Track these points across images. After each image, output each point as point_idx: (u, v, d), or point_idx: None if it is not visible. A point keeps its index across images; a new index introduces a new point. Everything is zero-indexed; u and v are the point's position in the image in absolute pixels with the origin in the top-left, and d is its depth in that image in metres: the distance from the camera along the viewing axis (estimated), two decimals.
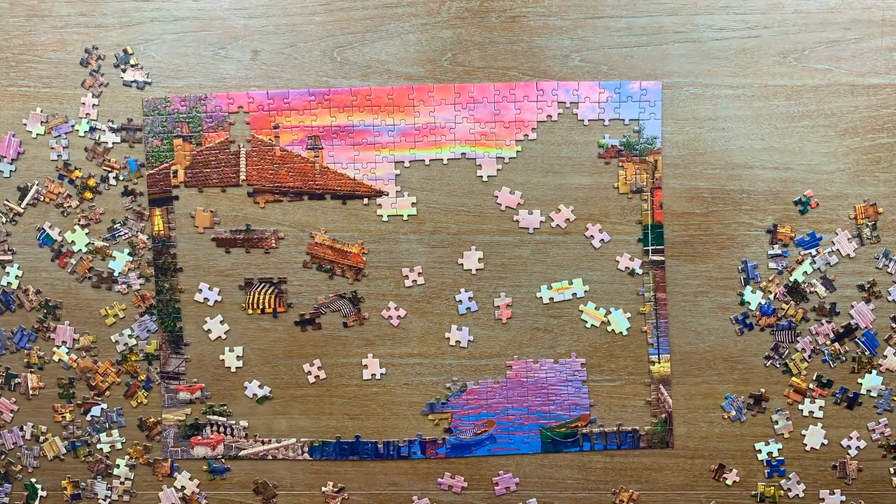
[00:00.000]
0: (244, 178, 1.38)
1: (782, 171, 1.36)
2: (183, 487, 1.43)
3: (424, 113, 1.36)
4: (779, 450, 1.40)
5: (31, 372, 1.42)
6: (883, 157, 1.35)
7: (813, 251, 1.37)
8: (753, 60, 1.34)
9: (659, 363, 1.40)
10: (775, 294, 1.38)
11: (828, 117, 1.35)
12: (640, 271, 1.38)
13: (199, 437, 1.42)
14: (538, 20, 1.35)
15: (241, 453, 1.42)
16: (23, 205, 1.39)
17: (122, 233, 1.39)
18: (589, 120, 1.36)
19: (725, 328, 1.39)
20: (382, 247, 1.39)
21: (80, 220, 1.39)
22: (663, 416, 1.41)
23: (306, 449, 1.42)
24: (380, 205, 1.38)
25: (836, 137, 1.35)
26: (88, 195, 1.38)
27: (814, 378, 1.39)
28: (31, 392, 1.42)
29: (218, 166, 1.38)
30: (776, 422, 1.40)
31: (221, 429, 1.42)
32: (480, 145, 1.36)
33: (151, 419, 1.42)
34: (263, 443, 1.42)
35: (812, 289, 1.38)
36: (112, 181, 1.38)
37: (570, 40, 1.35)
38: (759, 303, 1.38)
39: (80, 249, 1.39)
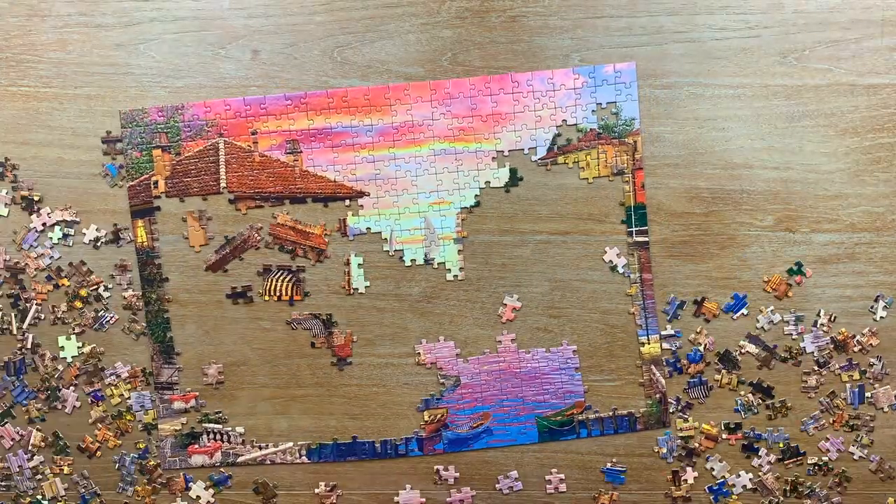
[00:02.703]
0: (224, 185, 1.38)
1: (782, 171, 1.36)
2: (198, 497, 1.43)
3: (401, 111, 1.36)
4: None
5: (36, 429, 1.42)
6: (883, 157, 1.35)
7: (743, 312, 1.38)
8: (753, 60, 1.34)
9: (649, 343, 1.40)
10: (704, 345, 1.39)
11: (828, 117, 1.35)
12: (621, 271, 1.38)
13: (197, 446, 1.42)
14: (538, 20, 1.34)
15: (239, 460, 1.42)
16: (25, 325, 1.40)
17: (107, 318, 1.39)
18: (566, 107, 1.36)
19: (725, 328, 1.40)
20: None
21: (74, 329, 1.39)
22: (657, 396, 1.41)
23: (304, 452, 1.42)
24: (361, 206, 1.38)
25: (836, 137, 1.35)
26: (79, 304, 1.39)
27: (722, 426, 1.40)
28: (31, 447, 1.42)
29: (198, 175, 1.38)
30: (712, 469, 1.41)
31: (218, 436, 1.42)
32: (459, 140, 1.36)
33: (151, 462, 1.42)
34: (261, 448, 1.42)
35: (744, 349, 1.38)
36: (104, 292, 1.38)
37: (570, 40, 1.35)
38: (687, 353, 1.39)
39: (66, 357, 1.40)
